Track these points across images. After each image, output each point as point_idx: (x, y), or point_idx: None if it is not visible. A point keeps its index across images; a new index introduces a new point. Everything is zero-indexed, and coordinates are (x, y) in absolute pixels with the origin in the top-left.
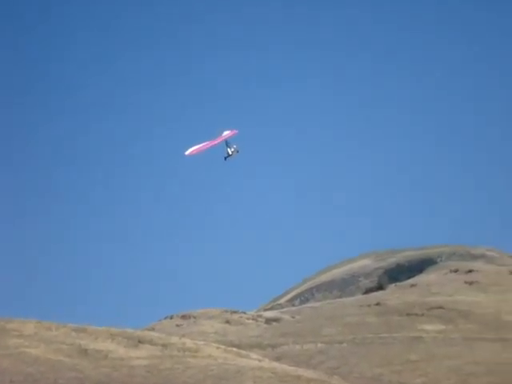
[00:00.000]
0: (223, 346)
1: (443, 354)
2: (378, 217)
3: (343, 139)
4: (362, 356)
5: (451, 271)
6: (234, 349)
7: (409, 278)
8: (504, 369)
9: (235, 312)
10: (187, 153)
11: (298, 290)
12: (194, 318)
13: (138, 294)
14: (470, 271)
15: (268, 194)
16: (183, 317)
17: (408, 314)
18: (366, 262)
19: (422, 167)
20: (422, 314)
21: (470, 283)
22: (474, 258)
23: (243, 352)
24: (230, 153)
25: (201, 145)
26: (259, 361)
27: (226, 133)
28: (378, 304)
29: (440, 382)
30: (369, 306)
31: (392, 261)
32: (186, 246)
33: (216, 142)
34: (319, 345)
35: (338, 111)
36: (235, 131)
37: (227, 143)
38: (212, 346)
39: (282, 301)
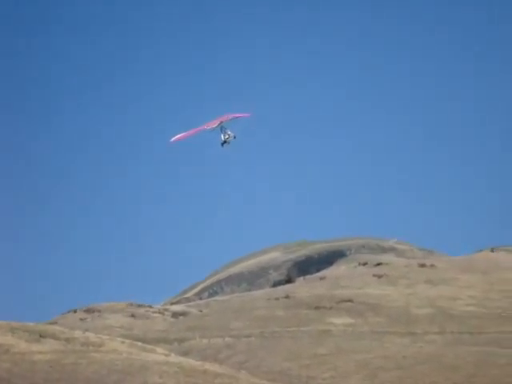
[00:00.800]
0: (128, 341)
1: (352, 348)
2: (288, 209)
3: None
4: (270, 350)
5: (360, 264)
6: (140, 343)
7: (318, 270)
8: (412, 362)
9: (141, 306)
10: (172, 140)
11: (207, 283)
12: (99, 311)
13: (40, 287)
14: (379, 264)
15: (177, 190)
16: (87, 310)
17: (317, 308)
18: (275, 255)
19: (333, 162)
20: (331, 308)
21: (379, 276)
22: (384, 250)
23: (149, 346)
24: (223, 139)
25: (187, 132)
26: (165, 355)
27: (218, 118)
28: (286, 297)
29: (349, 376)
30: (277, 299)
31: (301, 253)
32: (91, 240)
33: (204, 127)
34: (227, 339)
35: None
36: (230, 115)
37: (222, 128)
38: (117, 340)
39: (190, 294)
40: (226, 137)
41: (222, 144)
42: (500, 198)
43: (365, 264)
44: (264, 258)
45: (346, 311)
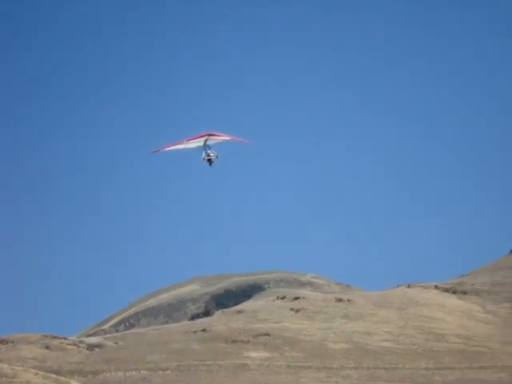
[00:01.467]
0: (42, 373)
1: (268, 383)
2: (207, 242)
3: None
4: (186, 383)
5: (278, 298)
6: (54, 375)
7: (236, 304)
8: None
9: (56, 337)
10: (152, 151)
11: (124, 316)
12: (12, 342)
13: None
14: (297, 298)
15: (101, 218)
16: (0, 341)
17: (234, 341)
18: (193, 288)
19: (252, 199)
20: (248, 341)
21: (297, 310)
22: (302, 285)
23: (63, 379)
24: (205, 156)
25: (168, 145)
26: None
27: (204, 133)
28: (203, 330)
29: None
30: (194, 332)
31: (220, 286)
32: (8, 264)
33: (186, 140)
34: (142, 372)
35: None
36: (207, 133)
37: (205, 145)
38: (30, 371)
39: (106, 326)
40: (211, 155)
41: (210, 163)
42: (416, 234)
43: (283, 298)
44: (182, 291)
45: (263, 345)
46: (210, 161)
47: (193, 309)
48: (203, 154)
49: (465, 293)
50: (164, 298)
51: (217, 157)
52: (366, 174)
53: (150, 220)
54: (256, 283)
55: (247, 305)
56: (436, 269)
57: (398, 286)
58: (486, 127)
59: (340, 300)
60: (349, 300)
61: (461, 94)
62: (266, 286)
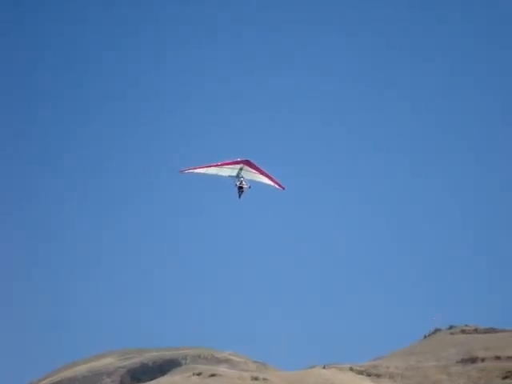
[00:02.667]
0: None
1: None
2: (125, 314)
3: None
4: None
5: (194, 374)
6: None
7: (152, 379)
8: None
9: None
10: (181, 171)
11: None
12: None
13: None
14: (213, 375)
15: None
16: None
17: None
18: (109, 361)
19: (163, 272)
20: None
21: None
22: (219, 362)
23: None
24: (239, 183)
25: (200, 167)
26: None
27: (235, 160)
28: None
29: None
30: None
31: (137, 360)
32: None
33: (221, 164)
34: None
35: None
36: (245, 160)
37: (239, 175)
38: None
39: None
40: (239, 182)
41: (239, 192)
42: (333, 315)
43: (199, 374)
44: (98, 364)
45: None
46: (240, 189)
47: (108, 382)
48: (236, 181)
49: (379, 376)
50: (80, 369)
51: (249, 187)
52: (290, 252)
53: (67, 290)
54: (173, 358)
55: (163, 380)
56: (353, 350)
57: (313, 366)
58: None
59: (256, 379)
60: (264, 379)
61: None
62: (183, 361)
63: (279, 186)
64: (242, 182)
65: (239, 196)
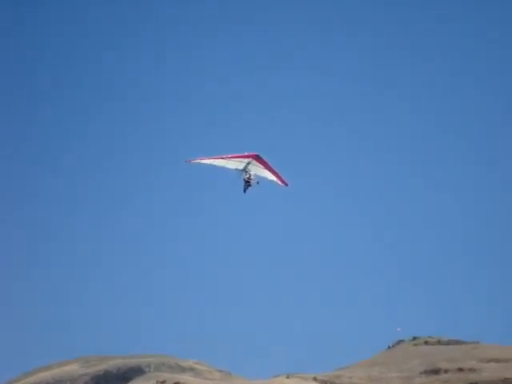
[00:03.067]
0: None
1: None
2: (91, 320)
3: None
4: None
5: (158, 382)
6: None
7: None
8: None
9: None
10: (188, 160)
11: None
12: None
13: None
14: (177, 383)
15: None
16: None
17: None
18: (74, 367)
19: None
20: None
21: None
22: (183, 370)
23: None
24: (247, 177)
25: (207, 158)
26: None
27: (243, 154)
28: None
29: None
30: None
31: (100, 368)
32: None
33: (224, 157)
34: None
35: None
36: (253, 154)
37: (246, 169)
38: None
39: None
40: (247, 176)
41: (246, 187)
42: (298, 325)
43: (163, 382)
44: (61, 370)
45: None
46: (247, 183)
47: None
48: (244, 174)
49: None
50: (44, 376)
51: (257, 183)
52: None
53: (33, 294)
54: (137, 366)
55: None
56: (316, 360)
57: (277, 375)
58: None
59: None
60: None
61: None
62: (147, 369)
63: (282, 182)
64: (250, 176)
65: (244, 190)
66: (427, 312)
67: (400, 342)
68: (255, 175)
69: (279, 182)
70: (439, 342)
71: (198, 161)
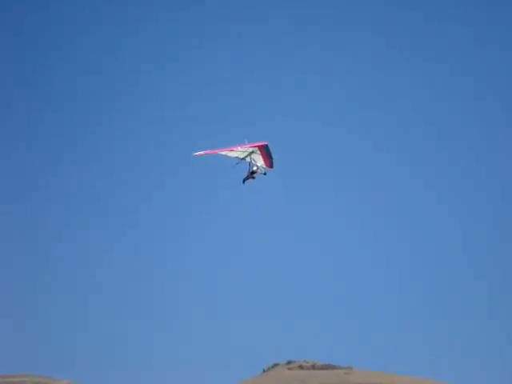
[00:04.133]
0: None
1: None
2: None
3: None
4: None
5: None
6: None
7: None
8: None
9: None
10: (196, 154)
11: None
12: None
13: None
14: None
15: None
16: None
17: None
18: None
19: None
20: None
21: None
22: None
23: None
24: (255, 168)
25: (213, 150)
26: None
27: (250, 144)
28: None
29: None
30: None
31: None
32: None
33: (229, 149)
34: None
35: None
36: (262, 143)
37: (247, 158)
38: None
39: None
40: (255, 168)
41: (248, 177)
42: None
43: None
44: None
45: None
46: (252, 173)
47: None
48: (248, 165)
49: None
50: None
51: (264, 174)
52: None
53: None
54: None
55: None
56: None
57: None
58: None
59: None
60: None
61: None
62: None
63: (268, 165)
64: (257, 168)
65: (244, 181)
66: (303, 334)
67: (275, 365)
68: (262, 166)
69: (264, 165)
70: (313, 367)
71: (206, 152)
